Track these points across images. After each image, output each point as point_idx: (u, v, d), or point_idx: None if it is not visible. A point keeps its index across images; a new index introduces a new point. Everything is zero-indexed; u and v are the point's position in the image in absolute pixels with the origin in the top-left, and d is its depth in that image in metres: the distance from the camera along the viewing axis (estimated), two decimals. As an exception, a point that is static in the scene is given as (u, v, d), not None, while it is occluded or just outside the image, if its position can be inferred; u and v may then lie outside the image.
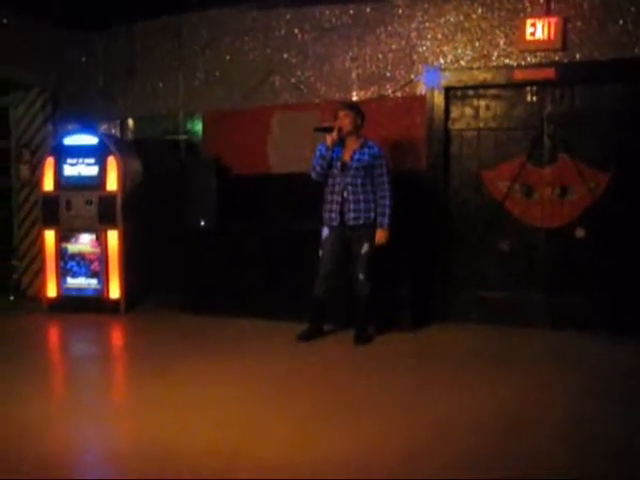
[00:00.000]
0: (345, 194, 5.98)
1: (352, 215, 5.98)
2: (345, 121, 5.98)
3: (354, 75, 7.22)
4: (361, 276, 6.06)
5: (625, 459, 3.66)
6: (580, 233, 6.55)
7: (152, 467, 3.55)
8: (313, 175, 6.09)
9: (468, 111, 6.91)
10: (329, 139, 5.93)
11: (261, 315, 6.94)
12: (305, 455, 3.71)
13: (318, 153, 6.03)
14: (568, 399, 4.63)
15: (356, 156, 5.98)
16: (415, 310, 6.58)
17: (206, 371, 5.36)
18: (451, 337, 6.50)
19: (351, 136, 6.03)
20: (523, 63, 6.59)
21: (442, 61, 6.88)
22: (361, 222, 5.99)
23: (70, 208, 7.54)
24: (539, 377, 5.15)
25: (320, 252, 6.16)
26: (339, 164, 6.00)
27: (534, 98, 6.68)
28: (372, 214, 6.02)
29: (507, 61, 6.65)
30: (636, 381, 5.06)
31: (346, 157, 6.01)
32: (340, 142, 6.00)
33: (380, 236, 6.02)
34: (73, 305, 7.55)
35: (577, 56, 6.40)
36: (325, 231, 6.12)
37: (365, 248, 6.02)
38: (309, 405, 4.55)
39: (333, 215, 6.04)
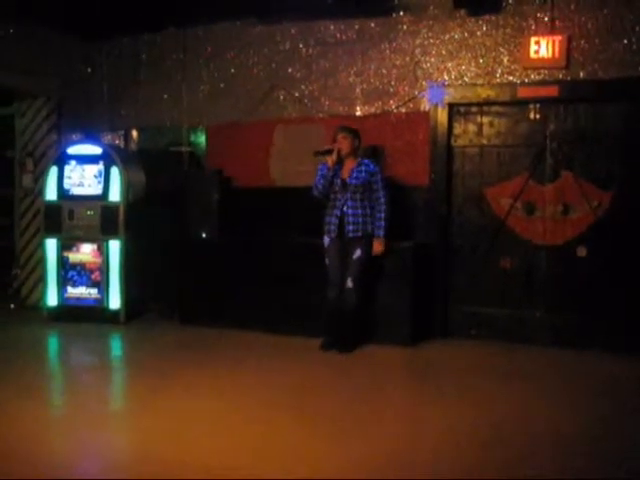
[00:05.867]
0: (345, 209, 6.30)
1: (351, 228, 6.29)
2: (344, 143, 6.35)
3: (358, 90, 7.25)
4: (349, 283, 6.27)
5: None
6: (582, 251, 6.54)
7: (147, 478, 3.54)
8: (315, 193, 6.46)
9: (471, 128, 6.92)
10: (329, 161, 6.28)
11: (261, 328, 6.93)
12: (299, 469, 3.69)
13: (320, 173, 6.41)
14: (566, 415, 4.62)
15: (354, 174, 6.33)
16: (415, 325, 6.56)
17: (205, 383, 5.36)
18: (450, 352, 6.49)
19: (349, 157, 6.34)
20: (527, 80, 6.61)
21: (446, 77, 6.90)
22: (359, 234, 6.28)
23: (72, 217, 7.55)
24: (538, 393, 5.14)
25: (326, 260, 6.42)
26: (339, 182, 6.32)
27: (537, 116, 6.69)
28: (369, 227, 6.32)
29: (511, 78, 6.66)
30: (634, 398, 5.07)
31: (345, 175, 6.36)
32: (339, 162, 6.30)
33: (377, 246, 6.32)
34: (73, 314, 7.54)
35: (581, 74, 6.41)
36: (326, 240, 6.42)
37: (358, 254, 6.28)
38: (303, 419, 4.53)
39: (332, 227, 6.37)
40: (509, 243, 6.79)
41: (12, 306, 8.27)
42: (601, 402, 4.94)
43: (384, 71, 7.15)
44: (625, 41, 6.25)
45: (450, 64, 6.88)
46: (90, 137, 7.96)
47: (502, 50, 6.68)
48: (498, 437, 4.21)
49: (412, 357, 6.35)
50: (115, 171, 7.46)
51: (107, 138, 8.45)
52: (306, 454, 3.93)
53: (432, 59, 6.94)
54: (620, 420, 4.55)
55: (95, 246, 7.54)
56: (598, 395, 5.10)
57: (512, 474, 3.66)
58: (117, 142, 8.44)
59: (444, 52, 6.89)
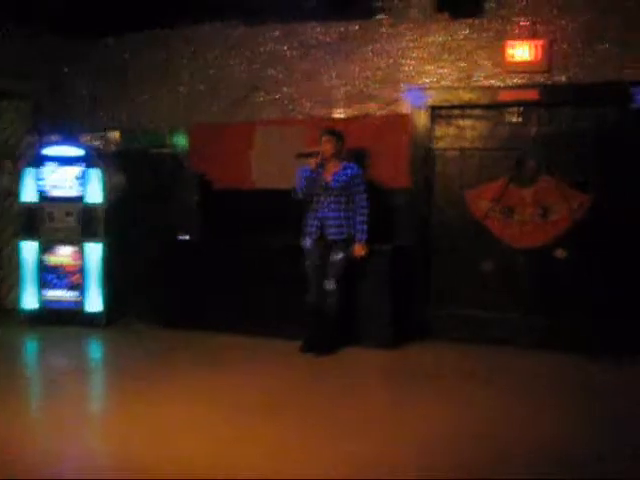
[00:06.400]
0: (326, 211, 6.30)
1: (332, 230, 6.30)
2: (327, 146, 6.34)
3: (340, 92, 7.23)
4: (330, 285, 6.30)
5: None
6: (560, 253, 6.57)
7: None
8: (298, 195, 6.42)
9: (452, 131, 6.93)
10: (312, 163, 6.26)
11: (243, 331, 6.88)
12: (282, 474, 3.69)
13: (301, 175, 6.34)
14: (545, 417, 4.66)
15: (336, 177, 6.32)
16: (395, 327, 6.56)
17: (184, 385, 5.34)
18: (431, 354, 6.51)
19: (332, 159, 6.34)
20: (508, 84, 6.62)
21: (427, 80, 6.90)
22: (340, 237, 6.29)
23: (52, 219, 7.48)
24: (517, 395, 5.17)
25: (307, 262, 6.41)
26: (321, 184, 6.30)
27: (519, 119, 6.72)
28: (350, 230, 6.33)
29: (492, 82, 6.68)
30: (609, 400, 5.10)
31: (328, 178, 6.33)
32: (321, 164, 6.29)
33: (358, 249, 6.32)
34: (52, 317, 7.45)
35: (562, 78, 6.44)
36: (307, 242, 6.40)
37: (338, 256, 6.30)
38: (287, 423, 4.54)
39: (313, 229, 6.37)
40: (489, 246, 6.80)
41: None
42: (581, 405, 4.96)
43: (366, 74, 7.14)
44: (607, 45, 6.28)
45: (431, 67, 6.88)
46: (69, 138, 7.87)
47: (483, 53, 6.69)
48: (477, 440, 4.22)
49: (392, 359, 6.35)
50: (95, 173, 7.40)
51: (87, 139, 8.32)
52: (285, 455, 3.94)
53: (413, 62, 6.94)
54: (605, 422, 4.58)
55: (75, 248, 7.47)
56: (577, 397, 5.13)
57: (488, 475, 3.68)
58: (97, 143, 8.32)
59: (425, 55, 6.90)
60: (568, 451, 4.06)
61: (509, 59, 6.54)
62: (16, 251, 7.86)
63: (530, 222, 6.63)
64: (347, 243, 6.31)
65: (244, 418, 4.59)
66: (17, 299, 7.86)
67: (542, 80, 6.51)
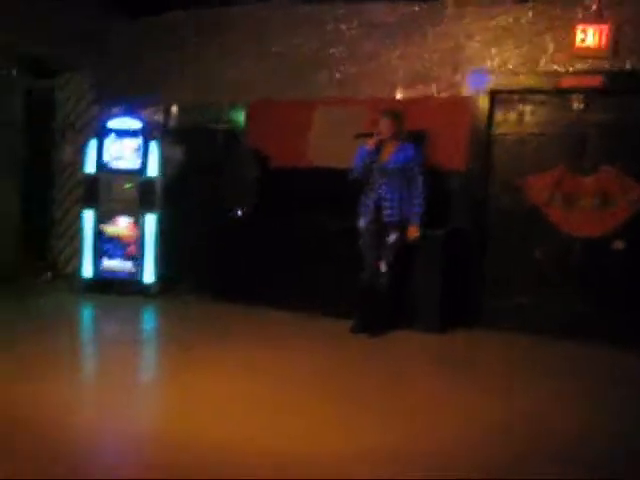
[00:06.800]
0: (382, 193, 6.28)
1: (387, 212, 6.27)
2: (386, 127, 6.29)
3: (400, 73, 7.19)
4: (383, 267, 6.29)
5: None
6: (618, 245, 6.46)
7: (170, 454, 3.58)
8: (354, 176, 6.40)
9: (512, 116, 6.85)
10: (371, 143, 6.25)
11: (293, 308, 6.94)
12: (319, 450, 3.72)
13: (359, 155, 6.34)
14: (593, 413, 4.57)
15: (393, 158, 6.29)
16: (445, 312, 6.54)
17: (231, 358, 5.41)
18: (479, 342, 6.46)
19: (390, 140, 6.32)
20: (571, 70, 6.51)
21: (489, 64, 6.83)
22: (395, 219, 6.25)
23: (110, 191, 7.63)
24: (567, 390, 5.06)
25: (360, 243, 6.41)
26: (378, 166, 6.28)
27: (580, 106, 6.60)
28: (405, 212, 6.30)
29: (555, 67, 6.57)
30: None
31: (384, 159, 6.31)
32: (379, 146, 6.28)
33: (412, 231, 6.30)
34: (107, 286, 7.64)
35: (627, 65, 6.30)
36: (362, 222, 6.39)
37: (393, 238, 6.28)
38: (330, 401, 4.54)
39: (369, 210, 6.35)
40: (545, 233, 6.71)
41: (49, 275, 8.38)
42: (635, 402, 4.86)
43: (427, 55, 7.08)
44: (674, 32, 6.13)
45: (494, 50, 6.80)
46: (130, 111, 8.02)
47: (547, 38, 6.58)
48: (520, 430, 4.18)
49: (440, 345, 6.34)
50: (154, 146, 7.53)
51: (147, 113, 8.46)
52: (327, 436, 3.94)
53: (476, 45, 6.87)
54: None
55: (132, 220, 7.62)
56: (633, 397, 4.99)
57: (526, 470, 3.63)
58: (157, 118, 8.46)
59: (488, 38, 6.81)
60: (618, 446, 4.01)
61: (573, 44, 6.41)
62: (76, 220, 8.06)
63: (589, 211, 6.52)
64: (402, 225, 6.29)
65: (289, 393, 4.62)
66: (76, 267, 8.05)
67: (606, 67, 6.37)
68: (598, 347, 6.17)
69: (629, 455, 3.86)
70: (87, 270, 7.75)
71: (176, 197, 7.69)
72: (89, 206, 7.71)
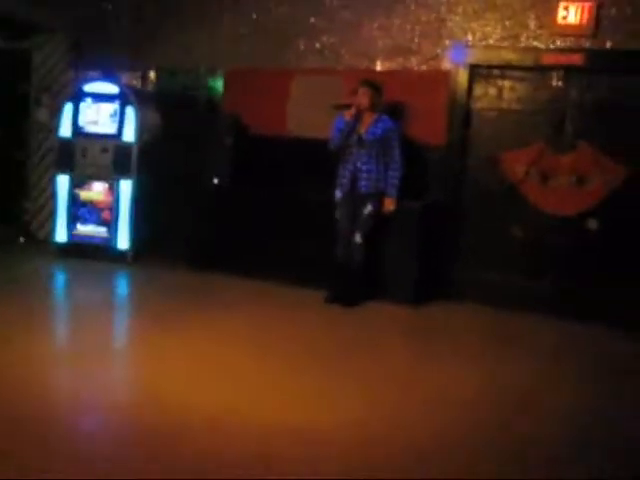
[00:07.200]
0: (358, 164, 6.29)
1: (363, 183, 6.29)
2: (364, 98, 6.28)
3: (380, 45, 7.13)
4: (358, 238, 6.31)
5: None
6: (593, 224, 6.49)
7: (147, 418, 3.62)
8: (331, 146, 6.41)
9: (492, 91, 6.84)
10: (347, 115, 6.24)
11: (267, 278, 6.94)
12: (292, 417, 3.78)
13: (336, 126, 6.34)
14: (561, 385, 4.68)
15: (371, 130, 6.29)
16: (419, 285, 6.57)
17: (207, 326, 5.41)
18: (451, 314, 6.52)
19: (368, 111, 6.30)
20: (552, 47, 6.50)
21: (470, 38, 6.79)
22: (371, 191, 6.28)
23: (85, 155, 7.54)
24: (534, 360, 5.19)
25: (336, 214, 6.43)
26: (355, 137, 6.27)
27: (560, 83, 6.60)
28: (382, 184, 6.31)
29: (536, 43, 6.55)
30: (627, 370, 5.14)
31: (362, 131, 6.32)
32: (357, 116, 6.24)
33: (388, 204, 6.35)
34: (81, 251, 7.57)
35: (608, 44, 6.29)
36: (338, 194, 6.41)
37: (368, 210, 6.31)
38: (302, 369, 4.60)
39: (345, 181, 6.37)
40: (520, 210, 6.74)
41: (22, 239, 8.31)
42: (595, 375, 4.98)
43: (408, 27, 7.02)
44: (657, 12, 6.12)
45: (475, 24, 6.76)
46: (107, 76, 7.89)
47: (529, 14, 6.55)
48: (486, 398, 4.30)
49: (413, 316, 6.37)
50: (130, 111, 7.43)
51: (124, 78, 8.34)
52: (299, 403, 4.00)
53: (457, 18, 6.82)
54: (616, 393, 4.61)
55: (107, 185, 7.54)
56: (595, 367, 5.15)
57: (496, 436, 3.73)
58: (134, 82, 8.35)
59: (470, 11, 6.77)
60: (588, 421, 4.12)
61: (555, 21, 6.40)
62: (50, 184, 7.97)
63: (565, 189, 6.55)
64: (378, 197, 6.31)
65: (262, 360, 4.68)
66: (48, 232, 7.98)
67: (587, 45, 6.37)
68: (571, 324, 6.25)
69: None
70: (61, 235, 7.68)
71: (152, 163, 7.60)
72: (63, 170, 7.62)
